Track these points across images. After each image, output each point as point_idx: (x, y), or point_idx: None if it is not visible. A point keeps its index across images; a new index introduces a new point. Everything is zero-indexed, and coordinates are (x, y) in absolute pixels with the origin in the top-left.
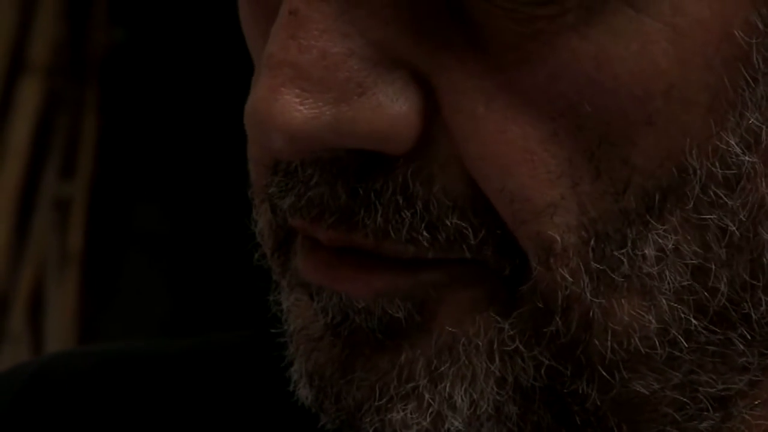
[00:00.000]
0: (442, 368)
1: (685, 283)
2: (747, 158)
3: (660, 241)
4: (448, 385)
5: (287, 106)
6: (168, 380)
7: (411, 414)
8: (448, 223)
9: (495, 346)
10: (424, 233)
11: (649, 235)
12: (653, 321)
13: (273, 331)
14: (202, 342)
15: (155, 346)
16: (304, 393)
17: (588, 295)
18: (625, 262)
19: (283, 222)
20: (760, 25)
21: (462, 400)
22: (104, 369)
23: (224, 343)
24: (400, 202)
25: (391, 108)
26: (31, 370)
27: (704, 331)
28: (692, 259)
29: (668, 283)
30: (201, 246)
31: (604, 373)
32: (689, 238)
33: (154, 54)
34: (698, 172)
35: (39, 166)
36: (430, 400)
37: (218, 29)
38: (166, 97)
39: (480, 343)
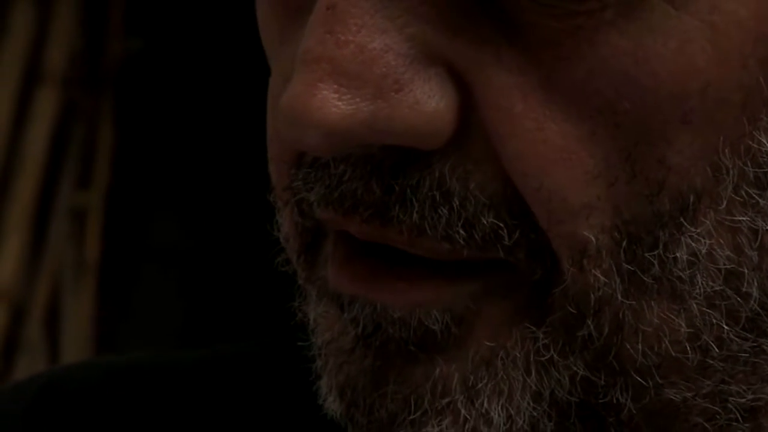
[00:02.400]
0: (480, 384)
1: (717, 288)
2: None
3: (693, 244)
4: (485, 400)
5: (325, 101)
6: (177, 392)
7: (447, 429)
8: (485, 222)
9: (531, 357)
10: (461, 231)
11: (682, 238)
12: (683, 325)
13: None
14: (211, 353)
15: (164, 357)
16: (334, 406)
17: (619, 296)
18: (656, 265)
19: (310, 223)
20: None
21: (499, 415)
22: (114, 381)
23: (234, 354)
24: (437, 198)
25: (428, 105)
26: (41, 382)
27: (736, 338)
28: (725, 263)
29: (699, 287)
30: (216, 256)
31: (638, 378)
32: (722, 241)
33: (170, 64)
34: (731, 171)
35: (55, 175)
36: (467, 416)
37: (234, 38)
38: (182, 106)
39: (517, 355)
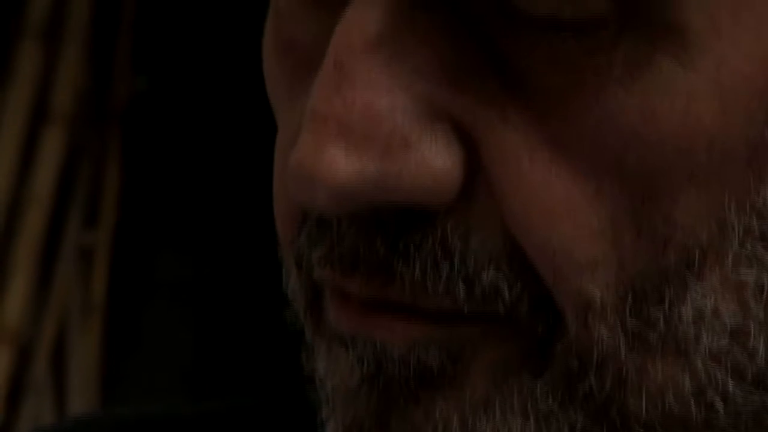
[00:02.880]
0: (478, 427)
1: (723, 345)
2: None
3: (698, 301)
4: None
5: (333, 161)
6: None
7: None
8: (485, 277)
9: (529, 406)
10: (461, 286)
11: (688, 295)
12: (688, 382)
13: (298, 395)
14: (219, 406)
15: (173, 410)
16: None
17: (623, 352)
18: (661, 322)
19: (313, 280)
20: None
21: None
22: None
23: (242, 407)
24: (439, 255)
25: (435, 162)
26: None
27: (741, 395)
28: (730, 320)
29: (705, 344)
30: (224, 296)
31: None
32: (727, 297)
33: (177, 103)
34: (737, 227)
35: (62, 214)
36: None
37: (241, 77)
38: (188, 145)
39: (515, 402)
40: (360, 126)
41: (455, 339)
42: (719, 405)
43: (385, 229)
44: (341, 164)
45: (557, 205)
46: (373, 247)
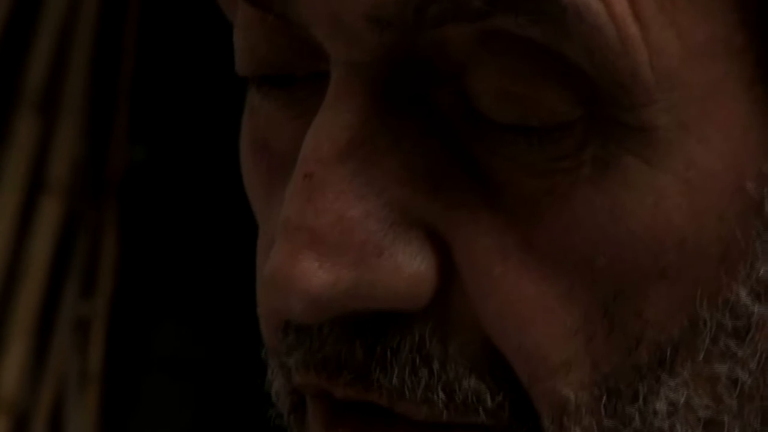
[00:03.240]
0: None
1: None
2: (757, 308)
3: (671, 395)
4: None
5: (306, 271)
6: None
7: None
8: (466, 385)
9: None
10: (440, 394)
11: (661, 389)
12: None
13: None
14: None
15: None
16: None
17: None
18: (637, 418)
19: (295, 388)
20: None
21: None
22: None
23: None
24: (417, 361)
25: (409, 268)
26: None
27: None
28: (704, 412)
29: None
30: (222, 367)
31: None
32: (700, 391)
33: (174, 173)
34: (708, 323)
35: (59, 284)
36: None
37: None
38: (186, 215)
39: None
40: (332, 236)
41: None
42: None
43: (364, 332)
44: (315, 274)
45: (530, 308)
46: (352, 350)
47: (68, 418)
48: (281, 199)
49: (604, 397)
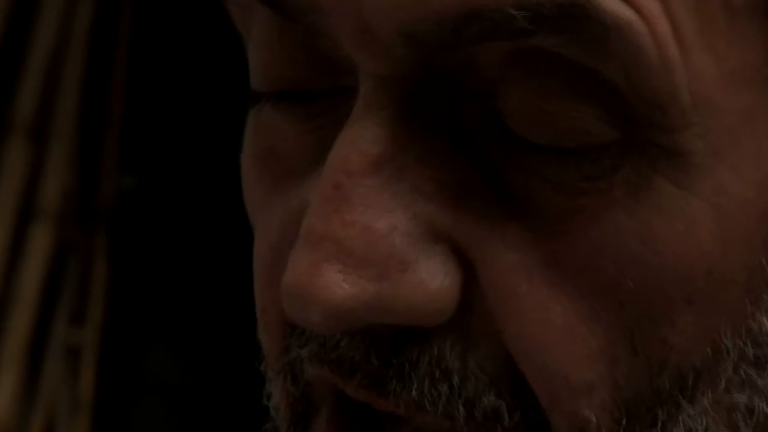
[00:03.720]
0: None
1: None
2: None
3: (690, 422)
4: None
5: (330, 282)
6: None
7: None
8: (486, 401)
9: None
10: (461, 409)
11: (680, 416)
12: None
13: None
14: None
15: None
16: None
17: None
18: None
19: (302, 391)
20: None
21: None
22: None
23: None
24: (437, 375)
25: (432, 284)
26: None
27: None
28: None
29: None
30: (213, 394)
31: None
32: (718, 418)
33: (165, 201)
34: (731, 352)
35: (49, 312)
36: None
37: (229, 176)
38: (176, 243)
39: None
40: (359, 247)
41: None
42: None
43: (379, 346)
44: (338, 286)
45: (554, 327)
46: (367, 359)
47: None
48: (287, 204)
49: (624, 420)
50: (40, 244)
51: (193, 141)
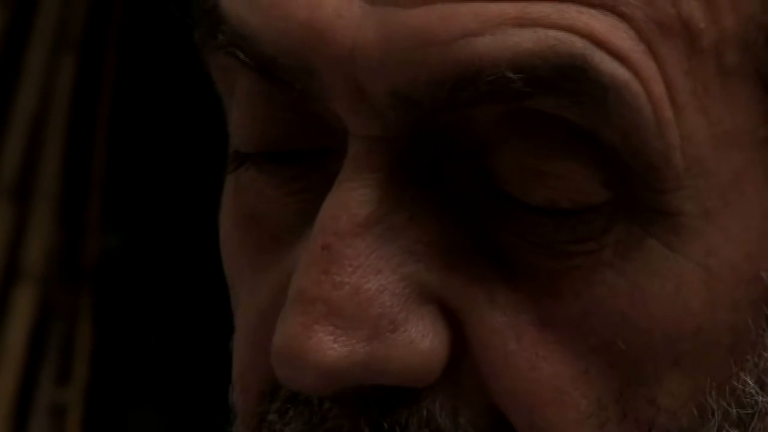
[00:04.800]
0: None
1: None
2: (761, 398)
3: None
4: None
5: (321, 343)
6: None
7: None
8: None
9: None
10: None
11: None
12: None
13: None
14: None
15: None
16: None
17: None
18: None
19: None
20: None
21: None
22: None
23: None
24: None
25: (422, 344)
26: None
27: None
28: None
29: None
30: None
31: None
32: None
33: (148, 260)
34: (716, 412)
35: (34, 372)
36: None
37: (212, 236)
38: (160, 303)
39: None
40: (348, 309)
41: None
42: None
43: (369, 409)
44: (330, 347)
45: (543, 388)
46: (357, 426)
47: None
48: (275, 270)
49: None
50: (24, 304)
51: (176, 200)
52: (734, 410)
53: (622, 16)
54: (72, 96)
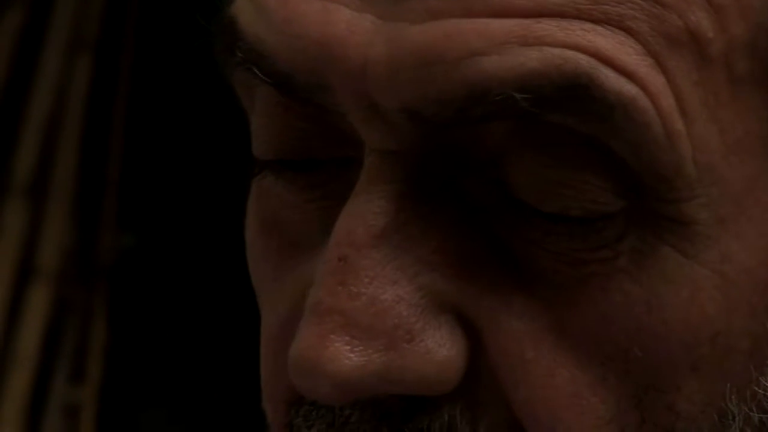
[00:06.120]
0: None
1: None
2: None
3: None
4: None
5: (337, 354)
6: None
7: None
8: None
9: None
10: None
11: None
12: None
13: None
14: None
15: None
16: None
17: None
18: None
19: None
20: None
21: None
22: None
23: None
24: None
25: (439, 353)
26: None
27: None
28: None
29: None
30: None
31: None
32: None
33: (163, 259)
34: (737, 417)
35: (48, 371)
36: None
37: (228, 232)
38: (175, 302)
39: None
40: (365, 319)
41: None
42: None
43: (390, 416)
44: (345, 357)
45: (562, 395)
46: (379, 431)
47: None
48: (295, 278)
49: None
50: (39, 303)
51: (191, 199)
52: (755, 414)
53: (629, 31)
54: (87, 96)
